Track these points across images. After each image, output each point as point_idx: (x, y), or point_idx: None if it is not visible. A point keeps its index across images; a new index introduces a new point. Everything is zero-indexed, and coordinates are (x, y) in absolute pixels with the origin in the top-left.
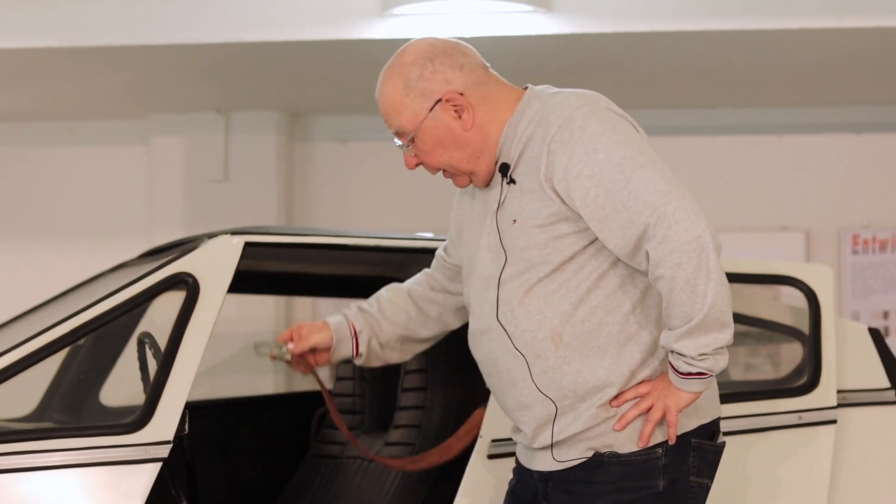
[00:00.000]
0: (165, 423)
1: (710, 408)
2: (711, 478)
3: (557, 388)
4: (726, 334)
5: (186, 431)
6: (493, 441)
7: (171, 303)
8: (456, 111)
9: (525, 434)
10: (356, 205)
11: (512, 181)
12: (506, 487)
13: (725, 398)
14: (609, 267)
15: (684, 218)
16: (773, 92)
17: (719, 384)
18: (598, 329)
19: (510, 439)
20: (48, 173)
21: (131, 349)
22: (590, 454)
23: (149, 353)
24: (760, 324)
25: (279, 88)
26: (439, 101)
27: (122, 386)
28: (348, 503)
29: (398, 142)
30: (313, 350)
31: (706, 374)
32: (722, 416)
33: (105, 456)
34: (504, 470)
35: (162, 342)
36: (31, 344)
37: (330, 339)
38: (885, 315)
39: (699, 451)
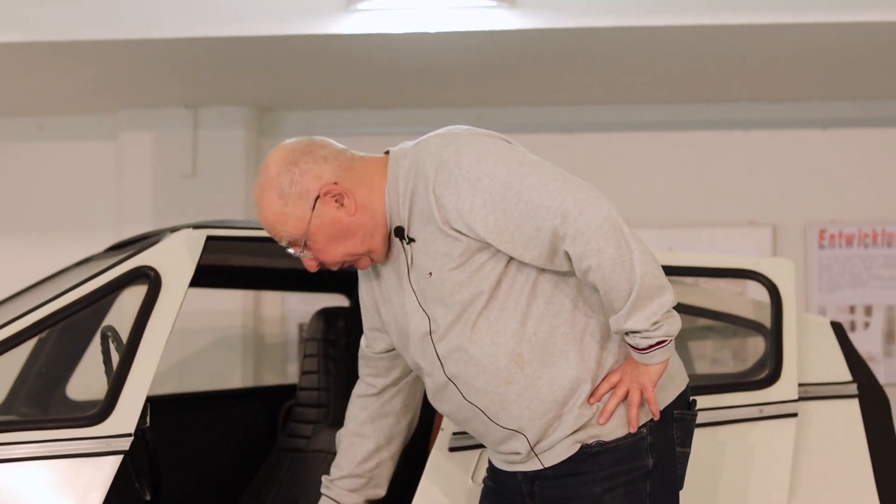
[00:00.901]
0: (127, 415)
1: (680, 374)
2: (690, 445)
3: (538, 403)
4: (668, 295)
5: (148, 424)
6: (454, 434)
7: (136, 297)
8: (336, 201)
9: (519, 455)
10: None
11: (411, 240)
12: (466, 479)
13: None
14: (537, 274)
15: (586, 206)
16: (739, 87)
17: None
18: (552, 334)
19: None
20: (18, 169)
21: (97, 343)
22: (577, 448)
23: (112, 347)
24: (722, 318)
25: (247, 84)
26: (318, 197)
27: (88, 380)
28: (313, 496)
29: (292, 251)
30: None
31: (665, 340)
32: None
33: (66, 448)
34: (465, 462)
35: (126, 336)
36: None
37: None
38: (852, 310)
39: (681, 421)
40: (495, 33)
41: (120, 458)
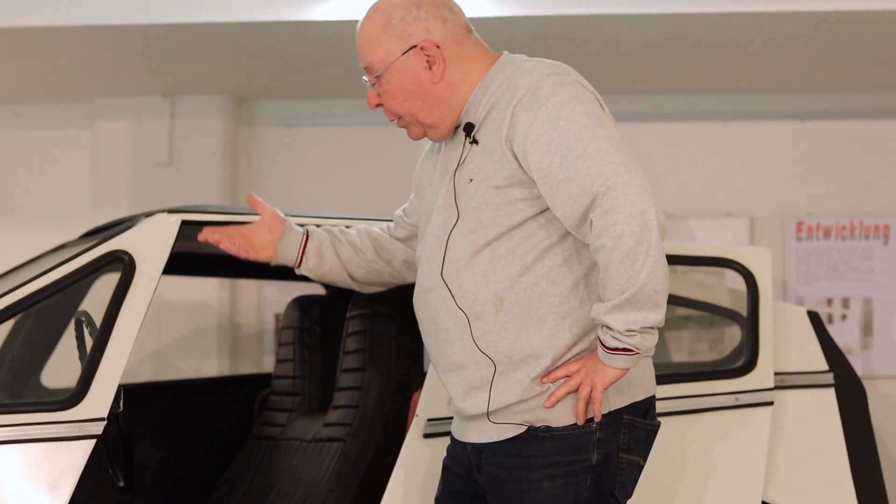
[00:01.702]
0: (100, 400)
1: (643, 386)
2: (644, 456)
3: (494, 352)
4: (657, 315)
5: (121, 409)
6: (429, 420)
7: (112, 283)
8: (428, 61)
9: (453, 398)
10: (302, 190)
11: (475, 141)
12: (440, 465)
13: (663, 379)
14: (557, 240)
15: (633, 192)
16: (718, 78)
17: (657, 365)
18: (540, 299)
19: (445, 419)
20: None
21: (72, 329)
22: (523, 428)
23: (86, 332)
24: (699, 306)
25: (225, 72)
26: (414, 47)
27: (63, 366)
28: (288, 483)
29: (365, 78)
30: (259, 232)
31: (632, 350)
32: (657, 396)
33: (39, 432)
34: (439, 448)
35: (100, 321)
36: None
37: (280, 224)
38: (829, 302)
39: (630, 427)
40: (473, 21)
41: (93, 442)
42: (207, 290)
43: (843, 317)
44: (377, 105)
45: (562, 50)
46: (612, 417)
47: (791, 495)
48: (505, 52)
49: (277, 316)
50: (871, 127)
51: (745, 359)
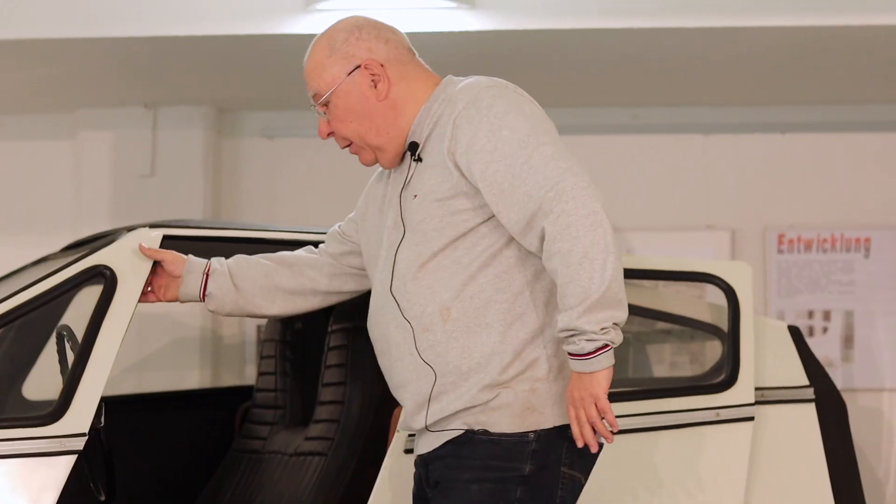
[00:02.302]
0: (81, 415)
1: None
2: (585, 474)
3: (443, 363)
4: (624, 312)
5: (103, 424)
6: (410, 435)
7: (93, 296)
8: (373, 80)
9: (405, 415)
10: (284, 201)
11: (419, 159)
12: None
13: (644, 394)
14: (502, 246)
15: (583, 193)
16: (699, 91)
17: (638, 380)
18: (487, 306)
19: None
20: None
21: (52, 345)
22: (462, 430)
23: (67, 346)
24: (680, 321)
25: (206, 84)
26: (358, 66)
27: (44, 380)
28: (269, 496)
29: (313, 106)
30: (163, 274)
31: (608, 346)
32: (640, 412)
33: (20, 448)
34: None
35: (82, 336)
36: None
37: (180, 266)
38: (810, 314)
39: (573, 441)
40: (454, 34)
41: (74, 457)
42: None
43: (825, 329)
44: (329, 134)
45: (543, 63)
46: (556, 431)
47: None
48: (449, 75)
49: (259, 328)
50: (852, 140)
51: (725, 374)
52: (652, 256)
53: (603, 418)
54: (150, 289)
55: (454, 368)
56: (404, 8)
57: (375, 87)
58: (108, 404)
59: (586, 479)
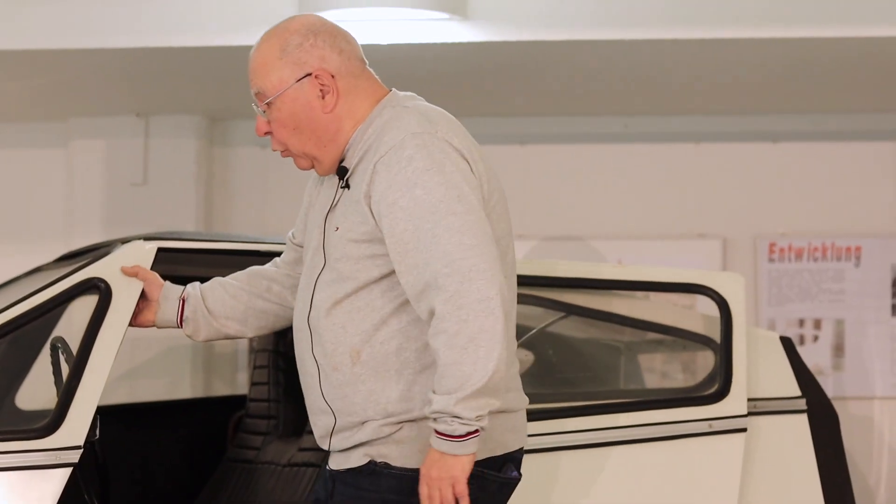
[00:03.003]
0: (76, 427)
1: (503, 440)
2: None
3: (349, 403)
4: (499, 400)
5: (98, 436)
6: None
7: (86, 307)
8: (321, 91)
9: (315, 434)
10: (276, 209)
11: (347, 186)
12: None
13: (636, 406)
14: None
15: (479, 277)
16: (690, 100)
17: (631, 391)
18: (397, 353)
19: None
20: None
21: (45, 356)
22: (365, 461)
23: (62, 358)
24: (672, 332)
25: (199, 93)
26: (309, 75)
27: (38, 391)
28: None
29: (254, 104)
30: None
31: (479, 432)
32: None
33: (15, 461)
34: None
35: (76, 347)
36: None
37: (157, 290)
38: (801, 323)
39: (479, 478)
40: (447, 46)
41: (69, 470)
42: None
43: (815, 338)
44: (266, 133)
45: (535, 74)
46: None
47: None
48: (392, 89)
49: (252, 340)
50: (843, 149)
51: (718, 385)
52: (644, 267)
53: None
54: None
55: (360, 409)
56: (396, 19)
57: (323, 98)
58: (101, 413)
59: None
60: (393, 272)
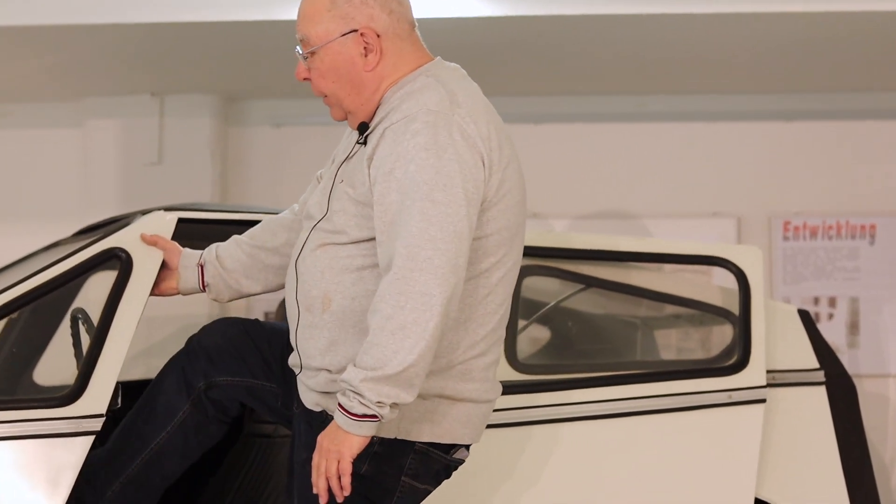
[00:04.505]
0: (98, 396)
1: (453, 431)
2: (434, 484)
3: (311, 346)
4: (411, 396)
5: (119, 405)
6: None
7: (104, 281)
8: (365, 48)
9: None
10: (290, 189)
11: (364, 142)
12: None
13: (656, 377)
14: None
15: (430, 271)
16: (704, 79)
17: (649, 362)
18: (364, 313)
19: None
20: None
21: (65, 328)
22: (318, 409)
23: (82, 329)
24: (690, 304)
25: (214, 71)
26: (355, 31)
27: (55, 366)
28: (281, 481)
29: (298, 49)
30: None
31: (377, 418)
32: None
33: (37, 429)
34: None
35: (96, 319)
36: None
37: (176, 258)
38: (816, 301)
39: (423, 455)
40: (465, 20)
41: (91, 438)
42: None
43: (830, 316)
44: (305, 79)
45: (550, 51)
46: (402, 443)
47: (783, 492)
48: (438, 58)
49: (267, 314)
50: (857, 127)
51: (737, 356)
52: (663, 240)
53: (339, 478)
54: None
55: (318, 356)
56: None
57: (366, 55)
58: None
59: (434, 488)
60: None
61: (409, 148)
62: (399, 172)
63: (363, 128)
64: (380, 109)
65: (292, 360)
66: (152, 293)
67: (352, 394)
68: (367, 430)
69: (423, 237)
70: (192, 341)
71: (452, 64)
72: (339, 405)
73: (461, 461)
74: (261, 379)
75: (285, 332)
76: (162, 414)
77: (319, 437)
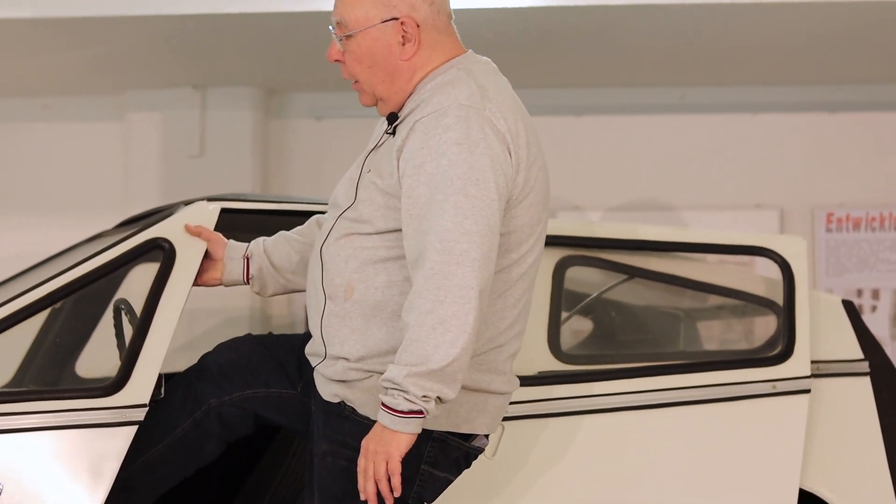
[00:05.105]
0: (141, 386)
1: (471, 421)
2: (454, 473)
3: (332, 335)
4: (453, 392)
5: (162, 395)
6: None
7: (146, 273)
8: (403, 37)
9: (313, 358)
10: (331, 181)
11: (393, 132)
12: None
13: (700, 367)
14: None
15: (467, 264)
16: (747, 70)
17: (692, 353)
18: (387, 303)
19: None
20: (24, 149)
21: (107, 322)
22: (336, 400)
23: (125, 320)
24: (734, 294)
25: (255, 64)
26: (395, 19)
27: (97, 359)
28: None
29: (332, 29)
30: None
31: (423, 414)
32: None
33: (81, 418)
34: None
35: (139, 310)
36: (6, 308)
37: (221, 249)
38: (859, 293)
39: (441, 442)
40: (506, 11)
41: (135, 428)
42: None
43: (873, 308)
44: (336, 60)
45: (592, 43)
46: (422, 431)
47: (828, 483)
48: (469, 51)
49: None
50: None
51: (781, 346)
52: (706, 230)
53: (389, 480)
54: None
55: (338, 343)
56: None
57: (403, 44)
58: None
59: (455, 477)
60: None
61: (441, 142)
62: (430, 167)
63: (393, 118)
64: (410, 100)
65: (312, 349)
66: (195, 283)
67: (396, 392)
68: (413, 427)
69: (459, 231)
70: (204, 359)
71: (483, 58)
72: (383, 405)
73: (480, 450)
74: (276, 387)
75: (302, 339)
76: (161, 426)
77: (364, 441)
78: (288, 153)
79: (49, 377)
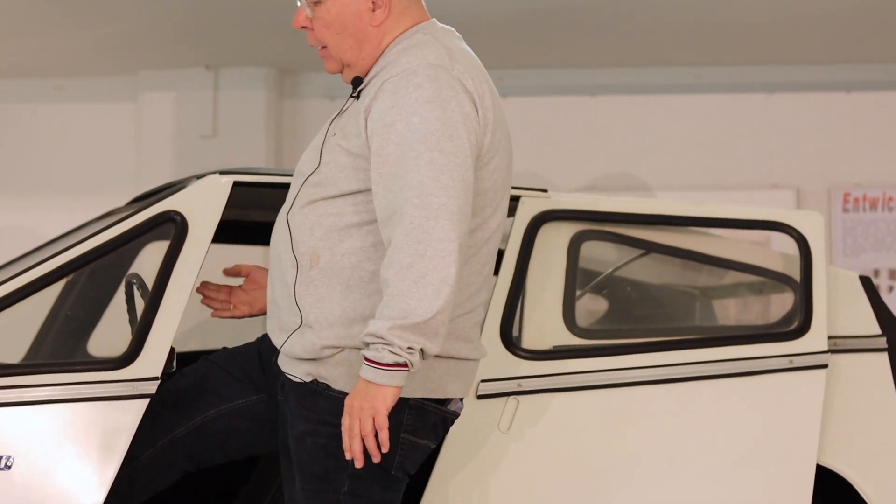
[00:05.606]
0: (153, 359)
1: (443, 385)
2: (433, 439)
3: (294, 304)
4: (436, 346)
5: (175, 369)
6: (482, 381)
7: (159, 249)
8: (374, 3)
9: (269, 330)
10: None
11: (357, 96)
12: (493, 427)
13: (717, 341)
14: None
15: (445, 217)
16: (763, 50)
17: (709, 328)
18: (353, 269)
19: (499, 379)
20: (37, 130)
21: (119, 299)
22: (308, 379)
23: (136, 294)
24: (750, 269)
25: (268, 44)
26: None
27: (109, 337)
28: None
29: None
30: (250, 288)
31: (408, 367)
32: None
33: (93, 391)
34: (493, 410)
35: (150, 284)
36: (19, 279)
37: (264, 274)
38: (876, 273)
39: (418, 409)
40: None
41: (146, 401)
42: (251, 258)
43: (890, 288)
44: (304, 27)
45: (607, 23)
46: (399, 400)
47: (845, 458)
48: (432, 19)
49: None
50: None
51: (798, 321)
52: (722, 205)
53: (376, 435)
54: (232, 305)
55: (304, 313)
56: None
57: (373, 10)
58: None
59: (435, 443)
60: (370, 189)
61: (412, 101)
62: (400, 125)
63: (357, 82)
64: (376, 64)
65: (278, 324)
66: (249, 315)
67: (380, 345)
68: (398, 380)
69: (436, 185)
70: (161, 391)
71: (448, 26)
72: (367, 359)
73: (457, 414)
74: (238, 399)
75: (249, 347)
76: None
77: (348, 400)
78: (301, 133)
79: (61, 352)
